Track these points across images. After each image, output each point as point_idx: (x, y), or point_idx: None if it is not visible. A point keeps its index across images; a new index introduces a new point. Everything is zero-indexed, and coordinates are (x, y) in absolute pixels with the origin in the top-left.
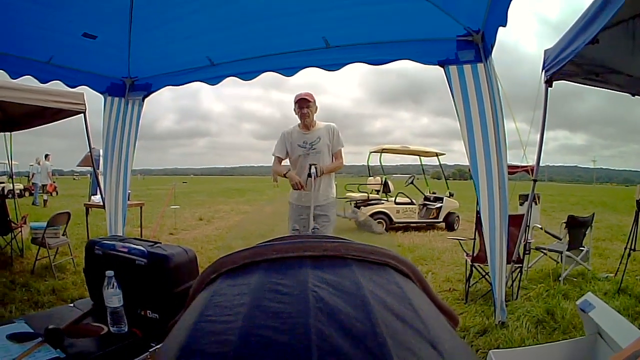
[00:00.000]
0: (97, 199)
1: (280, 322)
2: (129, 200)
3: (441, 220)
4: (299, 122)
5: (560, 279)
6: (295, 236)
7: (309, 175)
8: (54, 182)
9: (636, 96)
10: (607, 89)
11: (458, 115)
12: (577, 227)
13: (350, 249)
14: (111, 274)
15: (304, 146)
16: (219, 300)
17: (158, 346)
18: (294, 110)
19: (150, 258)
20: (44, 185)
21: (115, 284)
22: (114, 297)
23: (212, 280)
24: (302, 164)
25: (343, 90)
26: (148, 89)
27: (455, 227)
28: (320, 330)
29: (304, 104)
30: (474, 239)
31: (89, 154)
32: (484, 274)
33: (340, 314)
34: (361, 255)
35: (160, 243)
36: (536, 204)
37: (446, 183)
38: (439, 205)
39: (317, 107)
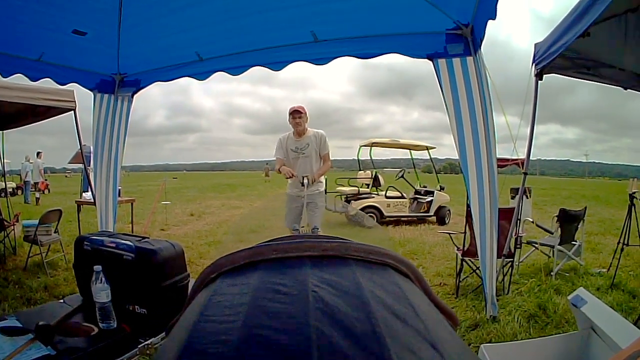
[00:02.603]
0: (88, 195)
1: (280, 322)
2: (119, 196)
3: (432, 214)
4: (293, 129)
5: (552, 273)
6: (295, 236)
7: (302, 184)
8: (45, 179)
9: (628, 90)
10: (599, 82)
11: (447, 109)
12: (569, 221)
13: (350, 248)
14: (99, 269)
15: (296, 151)
16: (218, 300)
17: (147, 342)
18: (288, 120)
19: (137, 253)
20: (36, 183)
21: (103, 279)
22: (102, 292)
23: (212, 280)
24: (294, 165)
25: (333, 84)
26: (137, 85)
27: (446, 221)
28: (321, 331)
29: (296, 115)
30: (465, 232)
31: (80, 151)
32: (474, 268)
33: (340, 314)
34: (361, 255)
35: (149, 238)
36: (527, 197)
37: (437, 177)
38: (429, 199)
39: (307, 118)
